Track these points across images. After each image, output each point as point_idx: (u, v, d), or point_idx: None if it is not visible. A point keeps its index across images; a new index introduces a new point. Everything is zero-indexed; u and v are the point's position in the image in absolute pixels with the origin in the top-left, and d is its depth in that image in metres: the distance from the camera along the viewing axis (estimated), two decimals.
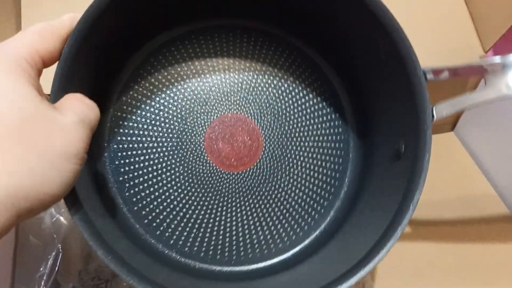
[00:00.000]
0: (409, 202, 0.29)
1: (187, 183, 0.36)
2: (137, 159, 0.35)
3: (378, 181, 0.34)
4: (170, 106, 0.36)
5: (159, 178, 0.35)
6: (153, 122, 0.36)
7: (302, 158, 0.37)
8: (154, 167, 0.36)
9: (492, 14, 0.46)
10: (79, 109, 0.27)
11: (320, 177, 0.37)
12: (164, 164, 0.36)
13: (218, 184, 0.36)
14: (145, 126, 0.36)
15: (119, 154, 0.35)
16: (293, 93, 0.38)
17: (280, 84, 0.38)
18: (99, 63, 0.33)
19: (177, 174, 0.36)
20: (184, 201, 0.35)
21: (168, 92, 0.37)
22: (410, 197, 0.29)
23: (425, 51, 0.44)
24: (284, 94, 0.38)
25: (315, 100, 0.38)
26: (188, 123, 0.36)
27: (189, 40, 0.37)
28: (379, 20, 0.31)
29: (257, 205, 0.36)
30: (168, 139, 0.36)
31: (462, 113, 0.55)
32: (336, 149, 0.37)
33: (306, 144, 0.37)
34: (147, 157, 0.36)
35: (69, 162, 0.25)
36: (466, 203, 0.48)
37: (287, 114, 0.37)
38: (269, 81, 0.38)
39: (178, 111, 0.36)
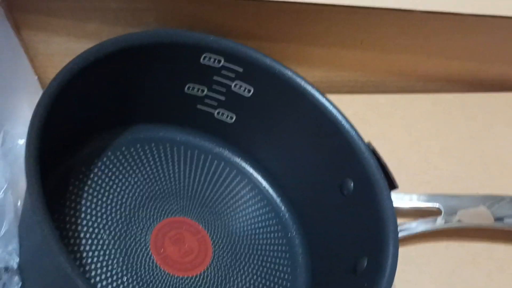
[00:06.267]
0: None
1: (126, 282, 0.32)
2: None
3: None
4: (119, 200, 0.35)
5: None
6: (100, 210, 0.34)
7: (251, 270, 0.35)
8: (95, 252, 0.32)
9: None
10: None
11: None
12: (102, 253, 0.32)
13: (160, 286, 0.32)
14: (93, 212, 0.34)
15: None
16: (240, 208, 0.38)
17: (228, 199, 0.38)
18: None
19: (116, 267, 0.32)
20: None
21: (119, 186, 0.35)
22: None
23: None
24: (230, 207, 0.38)
25: (261, 217, 0.38)
26: (135, 220, 0.34)
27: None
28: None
29: None
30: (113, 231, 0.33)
31: None
32: (282, 261, 0.37)
33: (254, 256, 0.36)
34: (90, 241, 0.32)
35: None
36: None
37: (237, 227, 0.37)
38: (221, 196, 0.38)
39: (127, 207, 0.34)
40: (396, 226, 0.32)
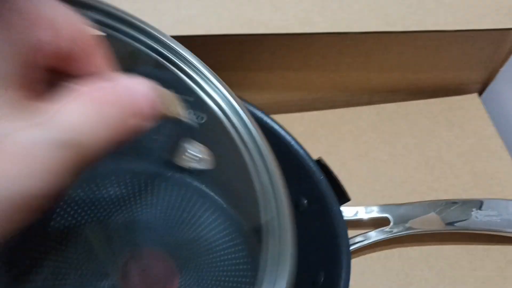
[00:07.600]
0: None
1: None
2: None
3: None
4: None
5: None
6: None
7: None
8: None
9: None
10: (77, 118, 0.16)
11: None
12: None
13: None
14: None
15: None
16: (204, 232, 0.39)
17: (193, 226, 0.39)
18: None
19: None
20: None
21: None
22: None
23: None
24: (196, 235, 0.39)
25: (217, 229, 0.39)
26: (101, 254, 0.35)
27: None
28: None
29: None
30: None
31: (497, 73, 0.50)
32: (249, 280, 0.37)
33: (220, 278, 0.37)
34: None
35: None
36: (481, 180, 0.45)
37: (203, 251, 0.38)
38: (185, 221, 0.39)
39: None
40: (347, 239, 0.34)
